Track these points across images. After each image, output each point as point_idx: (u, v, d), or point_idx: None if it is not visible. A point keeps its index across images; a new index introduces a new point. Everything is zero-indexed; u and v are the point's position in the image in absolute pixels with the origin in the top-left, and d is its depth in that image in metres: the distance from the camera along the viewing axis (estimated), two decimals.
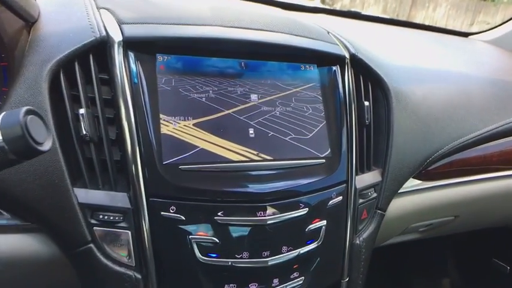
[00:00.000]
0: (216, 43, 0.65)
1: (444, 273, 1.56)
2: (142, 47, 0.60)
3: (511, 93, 1.01)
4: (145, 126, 0.58)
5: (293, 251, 0.65)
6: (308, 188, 0.66)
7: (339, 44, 0.77)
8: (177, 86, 0.62)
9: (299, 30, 0.74)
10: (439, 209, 0.97)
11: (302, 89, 0.71)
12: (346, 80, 0.74)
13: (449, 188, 0.94)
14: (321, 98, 0.72)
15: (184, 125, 0.61)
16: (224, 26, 0.66)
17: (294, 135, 0.67)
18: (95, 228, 0.57)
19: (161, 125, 0.59)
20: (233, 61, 0.67)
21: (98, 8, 0.65)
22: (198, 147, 0.61)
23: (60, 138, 0.55)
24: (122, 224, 0.58)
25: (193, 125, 0.61)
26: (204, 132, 0.62)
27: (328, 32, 0.81)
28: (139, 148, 0.57)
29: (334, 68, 0.74)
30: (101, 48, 0.59)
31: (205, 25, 0.65)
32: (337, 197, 0.69)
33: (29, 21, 0.60)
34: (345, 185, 0.71)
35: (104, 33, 0.59)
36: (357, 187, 0.73)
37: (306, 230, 0.66)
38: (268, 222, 0.61)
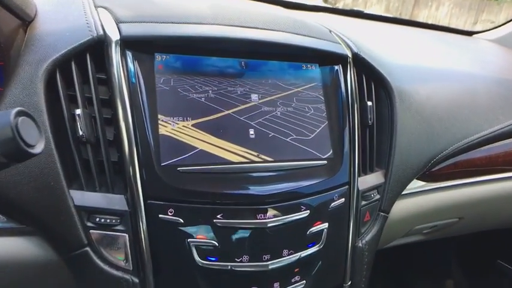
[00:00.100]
0: (215, 42, 0.64)
1: (448, 274, 1.54)
2: (140, 46, 0.59)
3: None
4: (143, 127, 0.57)
5: (294, 255, 0.63)
6: (309, 190, 0.64)
7: (341, 43, 0.75)
8: (175, 85, 0.61)
9: (300, 29, 0.72)
10: (443, 211, 0.96)
11: (303, 88, 0.70)
12: (349, 79, 0.72)
13: (453, 189, 0.92)
14: (322, 98, 0.71)
15: (183, 126, 0.60)
16: (224, 25, 0.65)
17: (295, 136, 0.66)
18: (91, 231, 0.56)
19: (159, 126, 0.58)
20: (233, 60, 0.66)
21: (96, 7, 0.64)
22: (197, 148, 0.59)
23: (56, 139, 0.54)
24: (119, 227, 0.56)
25: (192, 125, 0.60)
26: (203, 133, 0.60)
27: (330, 31, 0.80)
28: (136, 149, 0.56)
29: (336, 67, 0.72)
30: (98, 47, 0.58)
31: (204, 24, 0.64)
32: (339, 199, 0.68)
33: (26, 20, 0.59)
34: (347, 186, 0.69)
35: (101, 32, 0.58)
36: (360, 189, 0.71)
37: (308, 232, 0.64)
38: (269, 225, 0.60)
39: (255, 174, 0.62)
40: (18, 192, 0.52)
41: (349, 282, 0.74)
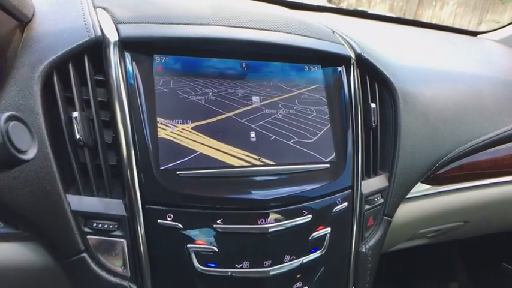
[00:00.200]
0: (216, 43, 0.63)
1: (452, 278, 1.52)
2: (139, 48, 0.58)
3: None
4: (141, 130, 0.56)
5: (296, 260, 0.62)
6: (312, 194, 0.63)
7: (344, 43, 0.74)
8: (175, 87, 0.60)
9: (303, 30, 0.71)
10: (448, 215, 0.94)
11: (306, 90, 0.69)
12: (352, 81, 0.71)
13: (459, 192, 0.91)
14: (325, 99, 0.69)
15: (183, 129, 0.59)
16: (224, 26, 0.64)
17: (297, 139, 0.65)
18: (88, 236, 0.55)
19: (158, 129, 0.57)
20: (234, 62, 0.65)
21: (95, 7, 0.63)
22: (197, 151, 0.58)
23: (53, 143, 0.53)
24: (117, 233, 0.55)
25: (192, 128, 0.59)
26: (203, 136, 0.59)
27: (333, 32, 0.78)
28: (135, 153, 0.55)
29: (339, 68, 0.71)
30: (96, 48, 0.57)
31: (204, 24, 0.63)
32: (342, 203, 0.66)
33: (23, 21, 0.58)
34: (350, 190, 0.68)
35: (99, 33, 0.57)
36: (363, 193, 0.70)
37: (310, 238, 0.63)
38: (270, 230, 0.59)
39: (256, 178, 0.61)
40: (13, 197, 0.51)
41: None
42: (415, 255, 1.44)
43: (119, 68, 0.56)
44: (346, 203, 0.67)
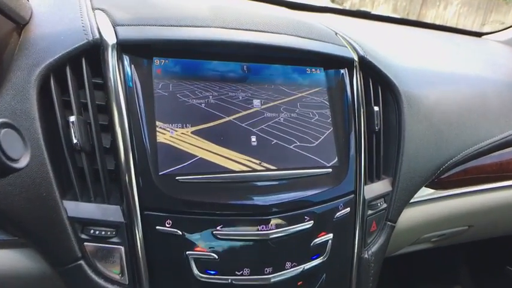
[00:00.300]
0: (216, 46, 0.62)
1: (456, 281, 1.51)
2: (138, 50, 0.57)
3: None
4: (140, 134, 0.55)
5: (297, 267, 0.61)
6: (314, 200, 0.62)
7: (347, 45, 0.73)
8: (174, 91, 0.59)
9: (305, 32, 0.70)
10: (452, 219, 0.93)
11: (308, 93, 0.67)
12: (355, 83, 0.70)
13: (463, 197, 0.89)
14: (327, 103, 0.68)
15: (182, 133, 0.57)
16: (225, 28, 0.63)
17: (299, 143, 0.64)
18: (85, 243, 0.54)
19: (157, 133, 0.56)
20: (235, 64, 0.64)
21: (93, 9, 0.62)
22: (197, 156, 0.57)
23: (49, 148, 0.52)
24: (115, 239, 0.54)
25: (192, 132, 0.58)
26: (203, 140, 0.58)
27: (336, 33, 0.77)
28: (133, 157, 0.54)
29: (342, 71, 0.70)
30: (94, 51, 0.56)
31: (205, 27, 0.62)
32: (344, 208, 0.65)
33: (20, 23, 0.57)
34: (352, 195, 0.67)
35: (97, 35, 0.56)
36: (366, 198, 0.69)
37: (311, 244, 0.62)
38: (271, 236, 0.58)
39: (256, 184, 0.60)
40: (9, 203, 0.50)
41: None
42: (418, 258, 1.43)
43: (117, 71, 0.55)
44: (348, 209, 0.66)
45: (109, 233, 0.54)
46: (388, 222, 0.74)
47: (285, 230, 0.59)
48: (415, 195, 0.79)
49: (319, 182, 0.63)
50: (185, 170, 0.56)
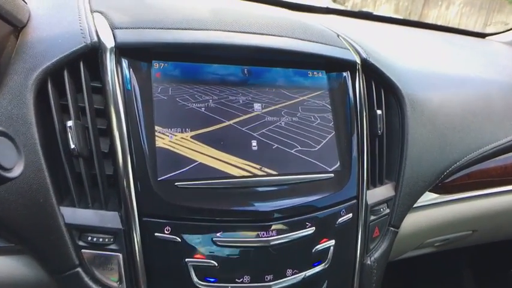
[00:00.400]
0: (216, 49, 0.61)
1: (459, 285, 1.49)
2: (137, 54, 0.56)
3: None
4: (138, 139, 0.54)
5: (298, 274, 0.60)
6: (315, 205, 0.61)
7: (349, 48, 0.71)
8: (174, 95, 0.58)
9: (307, 34, 0.69)
10: (456, 224, 0.91)
11: (309, 97, 0.66)
12: (357, 87, 0.69)
13: (468, 201, 0.88)
14: (329, 106, 0.67)
15: (182, 138, 0.57)
16: (225, 31, 0.62)
17: (300, 148, 0.63)
18: (82, 250, 0.53)
19: (156, 138, 0.55)
20: (235, 68, 0.63)
21: (92, 11, 0.61)
22: (196, 161, 0.56)
23: (46, 153, 0.51)
24: (112, 246, 0.53)
25: (191, 137, 0.57)
26: (202, 145, 0.57)
27: (338, 35, 0.76)
28: (131, 163, 0.53)
29: (344, 74, 0.69)
30: (92, 54, 0.55)
31: (205, 29, 0.61)
32: (346, 214, 0.64)
33: (17, 26, 0.57)
34: (355, 200, 0.66)
35: (95, 38, 0.55)
36: (368, 203, 0.68)
37: (313, 250, 0.61)
38: (272, 243, 0.57)
39: (257, 189, 0.59)
40: (5, 209, 0.49)
41: None
42: (421, 261, 1.42)
43: (116, 74, 0.54)
44: (350, 214, 0.65)
45: (107, 239, 0.53)
46: (391, 228, 0.73)
47: (286, 236, 0.58)
48: (419, 200, 0.78)
49: (320, 187, 0.62)
50: (184, 176, 0.55)
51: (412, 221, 0.80)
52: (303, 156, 0.63)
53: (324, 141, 0.65)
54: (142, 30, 0.58)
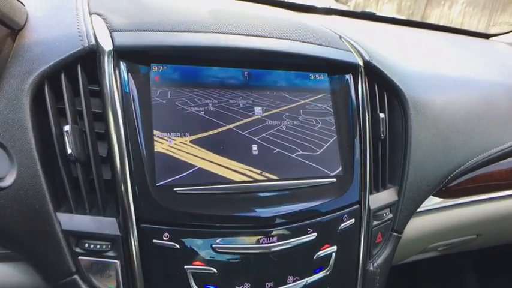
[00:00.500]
0: (216, 52, 0.60)
1: None
2: (135, 57, 0.55)
3: None
4: (136, 144, 0.53)
5: (299, 281, 0.59)
6: (317, 211, 0.60)
7: (352, 50, 0.70)
8: (173, 98, 0.57)
9: (308, 36, 0.67)
10: (460, 229, 0.90)
11: (311, 100, 0.65)
12: (360, 89, 0.67)
13: (472, 205, 0.87)
14: (331, 110, 0.66)
15: (181, 142, 0.56)
16: (225, 33, 0.61)
17: (301, 152, 0.62)
18: (80, 257, 0.52)
19: (155, 142, 0.54)
20: (235, 70, 0.62)
21: (90, 14, 0.60)
22: (196, 166, 0.55)
23: (43, 158, 0.50)
24: (110, 253, 0.52)
25: (191, 141, 0.56)
26: (202, 149, 0.56)
27: (340, 37, 0.75)
28: (129, 168, 0.52)
29: (346, 76, 0.68)
30: (90, 57, 0.54)
31: (204, 32, 0.60)
32: (349, 219, 0.63)
33: (14, 29, 0.56)
34: (357, 206, 0.65)
35: (93, 41, 0.54)
36: (371, 208, 0.67)
37: (314, 257, 0.60)
38: (273, 249, 0.56)
39: (258, 194, 0.58)
40: (0, 216, 0.48)
41: None
42: (425, 265, 1.41)
43: (114, 78, 0.53)
44: (353, 220, 0.64)
45: (104, 246, 0.52)
46: (394, 233, 0.72)
47: (287, 242, 0.57)
48: (422, 205, 0.77)
49: (322, 192, 0.61)
50: (183, 181, 0.54)
51: (416, 225, 0.79)
52: (305, 161, 0.61)
53: (326, 145, 0.64)
54: (141, 33, 0.57)
